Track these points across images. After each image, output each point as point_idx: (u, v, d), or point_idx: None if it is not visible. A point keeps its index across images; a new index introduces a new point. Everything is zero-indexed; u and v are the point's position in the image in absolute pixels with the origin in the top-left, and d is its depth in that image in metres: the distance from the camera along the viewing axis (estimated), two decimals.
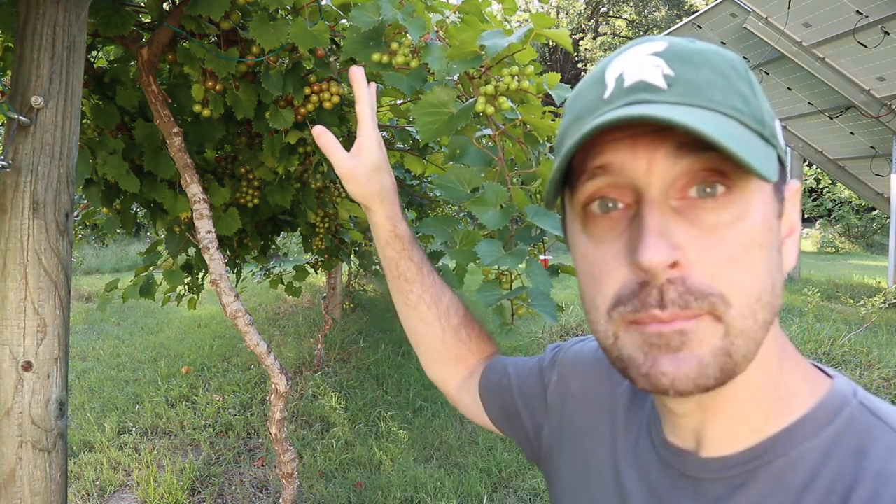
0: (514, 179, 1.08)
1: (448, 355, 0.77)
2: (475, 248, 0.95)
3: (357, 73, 0.70)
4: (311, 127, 1.59)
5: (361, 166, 0.68)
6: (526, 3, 21.86)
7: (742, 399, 0.43)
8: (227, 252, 2.44)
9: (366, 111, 0.69)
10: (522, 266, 0.97)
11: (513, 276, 1.05)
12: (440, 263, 1.11)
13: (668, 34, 7.06)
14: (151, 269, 2.19)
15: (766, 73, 6.59)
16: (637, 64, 0.40)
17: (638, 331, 0.40)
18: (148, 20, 1.53)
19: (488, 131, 1.13)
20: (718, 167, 0.38)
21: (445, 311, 0.75)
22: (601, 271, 0.41)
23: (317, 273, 3.15)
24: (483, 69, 1.08)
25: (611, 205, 0.41)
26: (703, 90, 0.38)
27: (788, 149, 7.81)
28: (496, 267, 0.97)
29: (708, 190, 0.38)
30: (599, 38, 21.46)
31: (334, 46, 1.51)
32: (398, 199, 0.71)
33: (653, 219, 0.38)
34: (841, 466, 0.39)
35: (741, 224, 0.38)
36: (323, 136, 0.68)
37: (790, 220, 0.44)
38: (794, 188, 0.44)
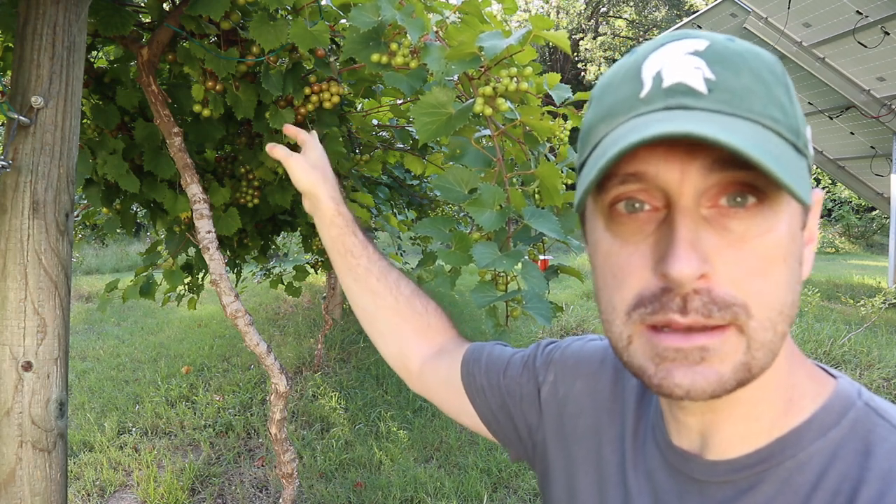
0: (514, 180, 1.09)
1: (406, 329, 0.74)
2: (471, 250, 0.94)
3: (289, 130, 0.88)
4: (312, 127, 1.60)
5: (308, 162, 0.82)
6: (526, 3, 21.85)
7: (751, 401, 0.43)
8: (227, 252, 2.44)
9: (299, 132, 0.87)
10: (519, 267, 0.97)
11: (509, 278, 1.05)
12: (436, 265, 1.11)
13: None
14: (151, 269, 2.19)
15: None
16: (676, 63, 0.39)
17: (651, 341, 0.39)
18: (148, 20, 1.53)
19: (487, 132, 1.13)
20: (752, 182, 0.37)
21: (395, 283, 0.76)
22: (624, 272, 0.41)
23: (317, 273, 3.16)
24: (482, 70, 1.08)
25: (637, 205, 0.40)
26: (743, 98, 0.38)
27: None
28: (492, 269, 0.96)
29: (738, 199, 0.38)
30: (599, 38, 21.45)
31: (334, 46, 1.51)
32: (339, 187, 0.82)
33: (685, 229, 0.37)
34: (847, 467, 0.39)
35: (769, 236, 0.38)
36: (276, 150, 0.82)
37: (810, 229, 0.43)
38: (816, 197, 0.43)
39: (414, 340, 0.75)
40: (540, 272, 0.98)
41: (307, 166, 0.81)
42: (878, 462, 0.39)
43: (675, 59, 0.39)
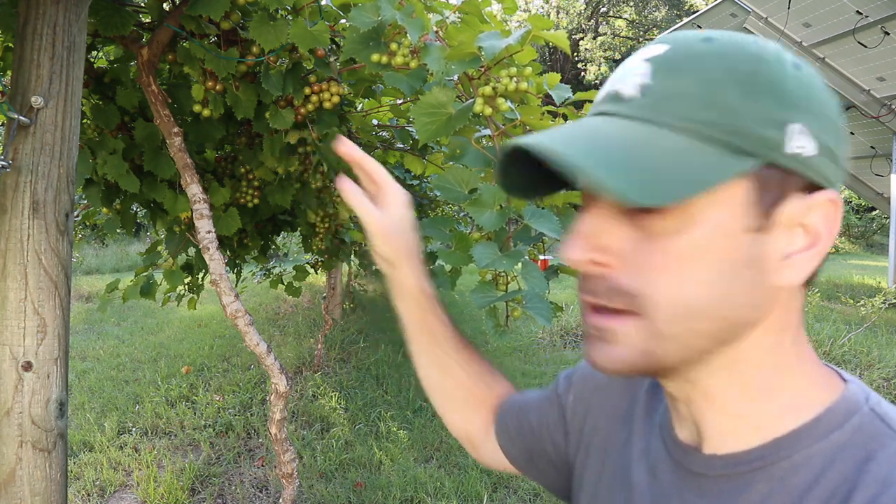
0: None
1: (471, 402, 0.74)
2: (471, 250, 0.94)
3: (342, 145, 0.66)
4: (312, 127, 1.60)
5: (390, 224, 0.65)
6: (526, 3, 21.85)
7: (724, 395, 0.44)
8: (227, 252, 2.44)
9: (376, 166, 0.67)
10: (519, 267, 0.97)
11: (509, 278, 1.05)
12: (436, 264, 1.11)
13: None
14: (151, 269, 2.19)
15: None
16: (626, 71, 0.42)
17: (584, 319, 0.45)
18: (148, 20, 1.53)
19: (487, 132, 1.13)
20: None
21: (467, 360, 0.73)
22: None
23: (317, 273, 3.15)
24: (482, 70, 1.08)
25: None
26: (667, 102, 0.39)
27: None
28: (492, 269, 0.96)
29: None
30: (599, 38, 21.44)
31: (334, 46, 1.51)
32: (421, 254, 0.69)
33: (582, 222, 0.43)
34: (845, 471, 0.39)
35: (684, 234, 0.39)
36: (347, 189, 0.64)
37: (813, 231, 0.41)
38: (820, 199, 0.40)
39: (477, 415, 0.74)
40: (540, 272, 0.98)
41: (389, 231, 0.65)
42: (877, 467, 0.39)
43: (629, 66, 0.42)
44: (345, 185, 0.63)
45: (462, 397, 0.74)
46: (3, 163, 1.00)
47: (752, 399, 0.44)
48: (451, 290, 0.97)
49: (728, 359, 0.43)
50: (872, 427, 0.41)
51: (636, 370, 0.42)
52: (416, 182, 3.46)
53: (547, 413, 0.66)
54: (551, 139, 0.39)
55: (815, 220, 0.41)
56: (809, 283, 0.44)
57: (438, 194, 1.05)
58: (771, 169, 0.39)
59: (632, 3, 21.36)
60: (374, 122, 2.19)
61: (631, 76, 0.41)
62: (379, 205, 0.66)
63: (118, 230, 2.05)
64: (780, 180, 0.39)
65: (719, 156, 0.38)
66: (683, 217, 0.39)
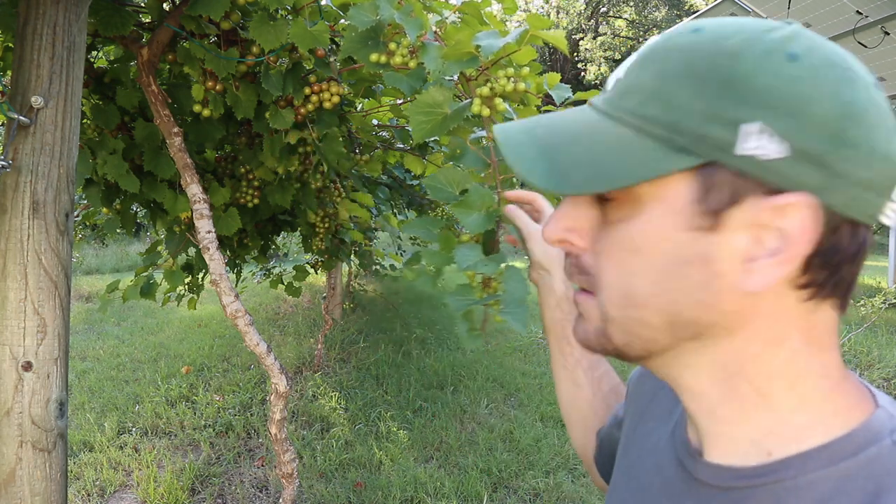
0: (513, 181, 1.08)
1: (595, 422, 0.75)
2: (453, 251, 0.93)
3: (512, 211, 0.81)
4: (312, 127, 1.60)
5: None
6: (526, 3, 21.86)
7: (717, 400, 0.43)
8: (227, 252, 2.44)
9: (533, 195, 0.83)
10: (501, 270, 0.95)
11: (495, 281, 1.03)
12: (420, 264, 1.10)
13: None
14: (151, 269, 2.19)
15: None
16: (627, 60, 0.43)
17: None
18: (148, 20, 1.53)
19: (484, 133, 1.13)
20: None
21: (599, 378, 0.75)
22: None
23: (317, 273, 3.16)
24: (481, 69, 1.08)
25: None
26: (622, 97, 0.41)
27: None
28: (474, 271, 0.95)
29: None
30: (599, 38, 21.44)
31: (334, 46, 1.51)
32: None
33: (562, 205, 0.46)
34: (850, 502, 0.37)
35: (626, 224, 0.41)
36: (515, 215, 0.79)
37: (777, 237, 0.37)
38: (782, 203, 0.36)
39: (594, 439, 0.75)
40: (522, 276, 0.96)
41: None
42: None
43: (630, 57, 0.43)
44: (512, 210, 0.80)
45: (587, 419, 0.74)
46: (3, 163, 1.00)
47: (743, 409, 0.42)
48: (432, 289, 0.96)
49: (706, 360, 0.42)
50: (890, 461, 0.38)
51: (602, 349, 0.45)
52: (415, 182, 3.47)
53: (617, 433, 0.64)
54: (507, 131, 0.43)
55: (779, 224, 0.37)
56: (823, 296, 0.39)
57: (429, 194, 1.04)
58: (717, 168, 0.37)
59: (632, 3, 21.36)
60: (374, 122, 2.19)
61: (618, 69, 0.43)
62: (537, 220, 0.81)
63: (118, 230, 2.05)
64: (731, 181, 0.37)
65: (655, 151, 0.38)
66: (633, 208, 0.40)
